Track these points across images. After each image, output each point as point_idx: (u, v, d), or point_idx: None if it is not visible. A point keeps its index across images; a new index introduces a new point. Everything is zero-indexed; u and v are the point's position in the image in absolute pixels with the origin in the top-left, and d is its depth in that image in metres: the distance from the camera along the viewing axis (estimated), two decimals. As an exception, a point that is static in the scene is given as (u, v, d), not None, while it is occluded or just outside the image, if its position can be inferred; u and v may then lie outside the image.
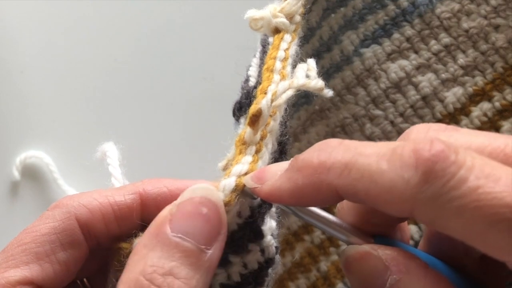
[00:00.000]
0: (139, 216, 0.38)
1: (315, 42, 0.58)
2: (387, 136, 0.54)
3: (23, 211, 0.89)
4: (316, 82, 0.39)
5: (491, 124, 0.52)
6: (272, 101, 0.37)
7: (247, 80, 0.47)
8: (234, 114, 0.47)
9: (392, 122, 0.54)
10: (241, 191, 0.36)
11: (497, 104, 0.52)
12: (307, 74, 0.40)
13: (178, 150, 0.87)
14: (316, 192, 0.32)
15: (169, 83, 0.88)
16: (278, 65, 0.40)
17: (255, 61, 0.47)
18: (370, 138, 0.55)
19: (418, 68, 0.53)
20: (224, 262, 0.36)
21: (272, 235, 0.39)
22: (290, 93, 0.38)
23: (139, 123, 0.88)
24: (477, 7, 0.52)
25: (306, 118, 0.58)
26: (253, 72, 0.47)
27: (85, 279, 0.41)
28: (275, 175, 0.34)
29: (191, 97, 0.87)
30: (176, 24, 0.87)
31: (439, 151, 0.29)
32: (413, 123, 0.54)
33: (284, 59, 0.41)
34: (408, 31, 0.54)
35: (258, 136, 0.38)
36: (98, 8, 0.87)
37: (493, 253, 0.28)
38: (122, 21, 0.88)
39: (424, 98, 0.53)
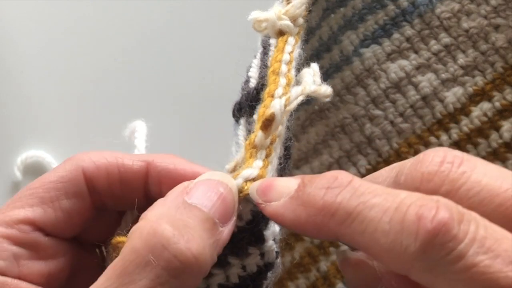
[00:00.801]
0: (142, 184, 0.40)
1: (314, 43, 0.58)
2: (387, 136, 0.55)
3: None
4: (326, 89, 0.40)
5: (491, 124, 0.52)
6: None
7: (247, 81, 0.47)
8: (234, 115, 0.47)
9: (392, 122, 0.55)
10: (245, 196, 0.37)
11: (497, 104, 0.52)
12: (314, 80, 0.40)
13: (178, 151, 0.88)
14: (317, 231, 0.33)
15: (169, 83, 0.88)
16: (283, 68, 0.41)
17: (256, 62, 0.48)
18: (370, 138, 0.56)
19: (418, 68, 0.54)
20: (223, 263, 0.37)
21: (274, 240, 0.39)
22: (301, 98, 0.39)
23: (135, 120, 0.88)
24: (477, 7, 0.53)
25: (305, 118, 0.59)
26: (253, 73, 0.47)
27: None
28: (280, 195, 0.34)
29: (191, 97, 0.87)
30: (176, 24, 0.88)
31: (442, 224, 0.29)
32: (413, 123, 0.54)
33: (289, 62, 0.41)
34: (408, 31, 0.54)
35: (268, 140, 0.38)
36: (98, 8, 0.88)
37: None
38: (122, 21, 0.88)
39: (424, 98, 0.54)
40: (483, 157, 0.52)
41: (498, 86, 0.53)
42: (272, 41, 0.45)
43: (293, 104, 0.38)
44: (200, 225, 0.34)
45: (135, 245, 0.33)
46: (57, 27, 0.87)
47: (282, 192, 0.35)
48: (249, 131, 0.45)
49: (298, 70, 0.42)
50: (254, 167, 0.38)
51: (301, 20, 0.44)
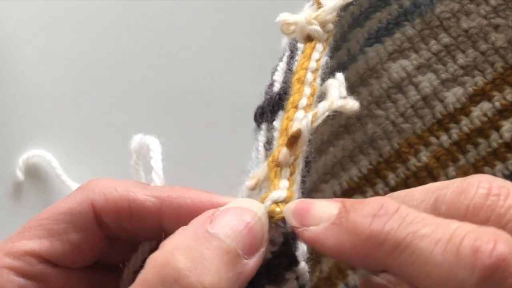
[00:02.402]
0: (155, 220, 0.39)
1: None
2: (388, 136, 0.56)
3: (26, 212, 0.90)
4: (353, 104, 0.39)
5: (491, 124, 0.53)
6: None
7: (271, 85, 0.46)
8: (255, 119, 0.46)
9: (393, 122, 0.56)
10: (277, 220, 0.36)
11: (497, 104, 0.53)
12: (340, 91, 0.40)
13: (178, 150, 0.88)
14: (362, 261, 0.32)
15: (169, 83, 0.89)
16: (309, 76, 0.40)
17: (281, 65, 0.47)
18: (372, 138, 0.56)
19: (418, 68, 0.55)
20: None
21: (304, 260, 0.38)
22: (327, 114, 0.38)
23: (139, 122, 0.89)
24: (477, 7, 0.53)
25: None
26: (278, 77, 0.46)
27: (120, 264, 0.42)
28: (319, 220, 0.33)
29: (191, 97, 0.88)
30: (177, 24, 0.88)
31: (501, 259, 0.28)
32: (414, 123, 0.55)
33: (315, 70, 0.41)
34: (409, 30, 0.55)
35: (292, 157, 0.38)
36: (99, 8, 0.88)
37: None
38: (122, 20, 0.89)
39: (424, 98, 0.55)
40: (483, 157, 0.53)
41: (498, 86, 0.53)
42: (300, 45, 0.45)
43: (319, 120, 0.37)
44: (218, 257, 0.33)
45: (147, 276, 0.32)
46: (58, 27, 0.88)
47: (322, 216, 0.33)
48: (268, 138, 0.44)
49: (323, 79, 0.41)
50: (282, 188, 0.37)
51: (330, 26, 0.42)
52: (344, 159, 0.58)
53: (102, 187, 0.39)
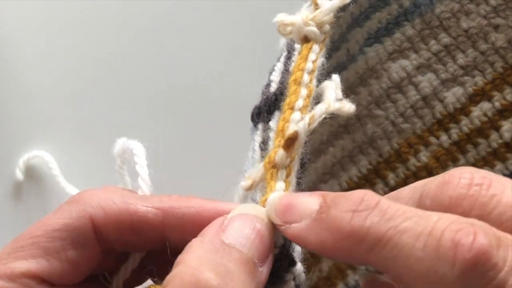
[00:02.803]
0: (157, 231, 0.38)
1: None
2: (388, 136, 0.56)
3: (26, 212, 0.90)
4: (350, 107, 0.39)
5: (491, 124, 0.53)
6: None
7: (268, 85, 0.46)
8: (252, 119, 0.46)
9: (393, 122, 0.56)
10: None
11: (497, 104, 0.53)
12: (336, 93, 0.40)
13: (179, 150, 0.89)
14: (345, 257, 0.32)
15: (169, 83, 0.89)
16: (305, 77, 0.40)
17: (279, 65, 0.47)
18: (372, 138, 0.57)
19: (418, 68, 0.55)
20: None
21: (300, 260, 0.38)
22: (324, 116, 0.38)
23: (139, 123, 0.89)
24: (477, 7, 0.54)
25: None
26: (275, 77, 0.46)
27: (106, 273, 0.41)
28: (301, 216, 0.33)
29: (191, 97, 0.88)
30: (177, 24, 0.89)
31: (481, 252, 0.28)
32: (413, 123, 0.55)
33: (312, 72, 0.41)
34: (409, 30, 0.55)
35: (289, 159, 0.38)
36: (99, 8, 0.88)
37: None
38: (122, 20, 0.89)
39: (424, 98, 0.55)
40: (483, 157, 0.53)
41: (498, 86, 0.54)
42: (297, 46, 0.45)
43: (316, 123, 0.38)
44: (241, 269, 0.32)
45: None
46: (58, 26, 0.88)
47: (303, 212, 0.33)
48: (264, 138, 0.44)
49: (319, 80, 0.41)
50: (278, 190, 0.37)
51: (327, 27, 0.43)
52: (343, 159, 0.58)
53: (98, 200, 0.37)
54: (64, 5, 0.88)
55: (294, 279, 0.37)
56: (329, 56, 0.58)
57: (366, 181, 0.57)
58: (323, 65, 0.42)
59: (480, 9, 0.54)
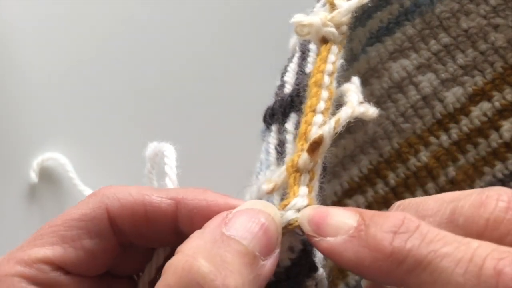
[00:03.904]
0: (171, 222, 0.39)
1: None
2: (388, 136, 0.56)
3: (40, 214, 0.92)
4: (373, 111, 0.40)
5: (491, 124, 0.53)
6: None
7: (282, 86, 0.47)
8: (265, 120, 0.46)
9: (393, 122, 0.56)
10: (295, 227, 0.36)
11: (497, 104, 0.54)
12: (358, 96, 0.40)
13: (193, 154, 0.90)
14: (381, 278, 0.32)
15: (183, 83, 0.90)
16: (326, 80, 0.40)
17: (292, 66, 0.47)
18: (372, 138, 0.57)
19: (418, 67, 0.56)
20: None
21: (322, 266, 0.39)
22: (348, 120, 0.38)
23: (154, 127, 0.90)
24: (476, 7, 0.54)
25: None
26: (289, 78, 0.46)
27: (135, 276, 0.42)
28: (337, 231, 0.33)
29: (205, 99, 0.89)
30: (181, 24, 0.90)
31: None
32: (414, 123, 0.56)
33: (332, 73, 0.41)
34: (409, 30, 0.56)
35: (312, 163, 0.38)
36: (102, 7, 0.90)
37: None
38: (129, 19, 0.90)
39: (424, 98, 0.55)
40: (483, 157, 0.54)
41: (498, 86, 0.54)
42: (312, 46, 0.45)
43: (341, 127, 0.38)
44: (239, 260, 0.33)
45: (169, 282, 0.32)
46: (66, 26, 0.90)
47: (339, 227, 0.33)
48: (280, 140, 0.45)
49: (338, 82, 0.42)
50: (302, 195, 0.37)
51: (345, 28, 0.43)
52: (345, 159, 0.59)
53: (115, 191, 0.39)
54: (77, 5, 0.89)
55: (316, 285, 0.38)
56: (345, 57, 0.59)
57: (366, 181, 0.58)
58: (342, 66, 0.42)
59: (480, 9, 0.54)
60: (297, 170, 0.38)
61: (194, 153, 0.90)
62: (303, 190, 0.37)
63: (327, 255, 0.34)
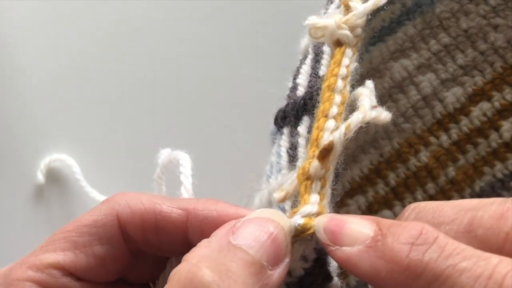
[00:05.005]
0: (181, 232, 0.39)
1: None
2: (389, 136, 0.57)
3: (47, 215, 0.93)
4: (386, 116, 0.39)
5: (490, 124, 0.54)
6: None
7: (294, 88, 0.47)
8: (276, 123, 0.47)
9: (394, 122, 0.57)
10: (308, 235, 0.35)
11: (496, 104, 0.54)
12: (371, 100, 0.40)
13: (203, 160, 0.90)
14: None
15: (190, 86, 0.90)
16: (339, 84, 0.40)
17: (305, 68, 0.47)
18: (373, 137, 0.58)
19: (419, 67, 0.56)
20: None
21: (336, 275, 0.39)
22: (359, 125, 0.38)
23: (162, 131, 0.91)
24: (476, 7, 0.55)
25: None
26: (302, 80, 0.46)
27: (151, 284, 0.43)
28: (353, 241, 0.33)
29: (210, 100, 0.89)
30: (184, 25, 0.90)
31: None
32: (414, 123, 0.56)
33: (345, 77, 0.41)
34: (410, 30, 0.57)
35: (323, 170, 0.37)
36: (106, 7, 0.90)
37: None
38: (130, 20, 0.91)
39: (424, 98, 0.56)
40: (483, 157, 0.54)
41: (498, 86, 0.54)
42: (326, 48, 0.45)
43: (352, 132, 0.38)
44: (244, 269, 0.33)
45: None
46: (78, 29, 0.91)
47: (356, 237, 0.33)
48: (291, 144, 0.45)
49: (352, 86, 0.42)
50: (313, 202, 0.37)
51: (359, 31, 0.43)
52: (347, 159, 0.59)
53: (127, 199, 0.39)
54: (80, 4, 0.90)
55: None
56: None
57: (367, 181, 0.58)
58: (356, 70, 0.42)
59: (480, 9, 0.55)
60: (308, 178, 0.37)
61: (202, 157, 0.91)
62: (314, 197, 0.37)
63: (342, 265, 0.34)
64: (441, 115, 0.55)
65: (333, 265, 0.38)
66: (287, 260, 0.35)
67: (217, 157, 0.87)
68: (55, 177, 0.93)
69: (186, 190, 0.43)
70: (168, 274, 0.38)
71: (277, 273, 0.34)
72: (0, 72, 0.89)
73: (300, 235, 0.35)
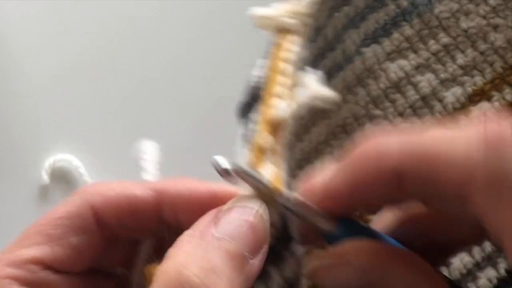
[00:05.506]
0: (154, 213, 0.40)
1: (320, 42, 0.61)
2: (388, 136, 0.57)
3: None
4: (331, 94, 0.40)
5: (490, 124, 0.54)
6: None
7: (251, 81, 0.49)
8: (238, 115, 0.49)
9: (391, 122, 0.57)
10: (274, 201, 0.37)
11: (496, 104, 0.54)
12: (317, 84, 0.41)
13: (189, 149, 0.91)
14: (375, 178, 0.33)
15: (182, 82, 0.91)
16: (286, 67, 0.42)
17: (262, 61, 0.48)
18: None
19: (417, 68, 0.56)
20: (264, 274, 0.37)
21: (295, 236, 0.39)
22: (307, 103, 0.40)
23: (164, 123, 0.92)
24: (476, 7, 0.55)
25: (308, 118, 0.61)
26: (258, 72, 0.48)
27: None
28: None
29: (196, 97, 0.90)
30: (183, 25, 0.91)
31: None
32: (412, 123, 0.56)
33: (290, 61, 0.43)
34: (407, 30, 0.57)
35: (275, 144, 0.39)
36: (106, 8, 0.91)
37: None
38: (129, 20, 0.92)
39: (423, 98, 0.56)
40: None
41: (497, 86, 0.54)
42: (278, 39, 0.46)
43: (300, 109, 0.40)
44: (228, 264, 0.33)
45: None
46: (81, 30, 0.92)
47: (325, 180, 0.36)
48: (248, 131, 0.45)
49: (299, 72, 0.43)
50: (269, 172, 0.38)
51: (305, 18, 0.45)
52: (342, 159, 0.59)
53: (98, 188, 0.40)
54: (86, 5, 0.91)
55: (292, 254, 0.38)
56: (323, 56, 0.60)
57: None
58: (304, 56, 0.43)
59: (479, 9, 0.55)
60: (261, 151, 0.39)
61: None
62: (269, 167, 0.39)
63: (325, 197, 0.35)
64: (440, 115, 0.55)
65: (293, 227, 0.39)
66: (266, 245, 0.36)
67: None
68: (59, 177, 0.94)
69: (151, 175, 0.44)
70: (143, 258, 0.40)
71: (258, 261, 0.35)
72: (4, 73, 0.90)
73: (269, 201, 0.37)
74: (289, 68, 0.42)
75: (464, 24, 0.55)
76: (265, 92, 0.41)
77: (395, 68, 0.57)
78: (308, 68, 0.42)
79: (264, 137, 0.39)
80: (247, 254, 0.34)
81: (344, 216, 0.37)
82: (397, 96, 0.57)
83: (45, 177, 0.94)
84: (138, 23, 0.91)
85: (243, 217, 0.35)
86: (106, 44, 0.91)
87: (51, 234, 0.38)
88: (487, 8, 0.55)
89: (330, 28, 0.60)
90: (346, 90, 0.58)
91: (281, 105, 0.39)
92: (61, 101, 0.91)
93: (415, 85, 0.56)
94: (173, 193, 0.39)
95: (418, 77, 0.56)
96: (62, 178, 0.94)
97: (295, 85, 0.41)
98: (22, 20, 0.90)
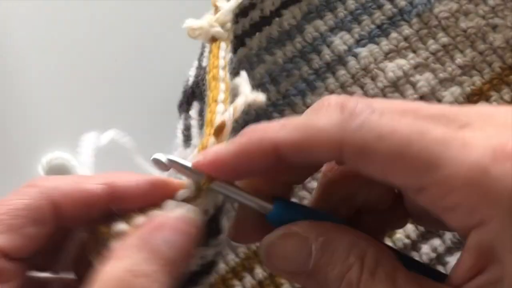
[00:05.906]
0: (106, 205, 0.42)
1: (296, 44, 0.60)
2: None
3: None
4: (262, 97, 0.44)
5: (489, 124, 0.54)
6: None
7: (187, 80, 0.57)
8: (178, 110, 0.57)
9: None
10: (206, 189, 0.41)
11: (495, 104, 0.54)
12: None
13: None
14: (257, 148, 0.37)
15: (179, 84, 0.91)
16: (221, 73, 0.46)
17: (195, 63, 0.57)
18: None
19: (416, 67, 0.57)
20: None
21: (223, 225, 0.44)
22: (243, 106, 0.44)
23: (162, 122, 0.91)
24: (475, 7, 0.55)
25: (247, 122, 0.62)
26: (192, 72, 0.56)
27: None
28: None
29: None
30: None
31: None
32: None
33: (224, 67, 0.47)
34: (406, 30, 0.57)
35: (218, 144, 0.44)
36: (106, 6, 0.91)
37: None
38: (131, 18, 0.92)
39: (422, 97, 0.56)
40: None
41: (496, 86, 0.55)
42: (207, 44, 0.51)
43: (239, 113, 0.43)
44: (162, 271, 0.37)
45: None
46: (72, 25, 0.91)
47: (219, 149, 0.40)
48: (186, 126, 0.56)
49: (231, 73, 0.48)
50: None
51: (229, 25, 0.50)
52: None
53: (54, 182, 0.42)
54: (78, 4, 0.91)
55: (218, 245, 0.42)
56: (309, 58, 0.60)
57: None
58: (231, 60, 0.48)
59: (479, 9, 0.55)
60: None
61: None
62: None
63: (213, 161, 0.39)
64: (439, 115, 0.56)
65: (223, 220, 0.42)
66: (195, 248, 0.40)
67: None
68: (56, 174, 0.94)
69: (86, 168, 0.48)
70: (76, 244, 0.43)
71: (186, 264, 0.39)
72: (0, 70, 0.90)
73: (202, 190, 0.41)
74: (225, 74, 0.46)
75: (463, 24, 0.55)
76: (209, 98, 0.45)
77: (394, 67, 0.57)
78: (241, 72, 0.45)
79: (211, 141, 0.42)
80: (180, 262, 0.38)
81: (278, 196, 0.40)
82: (396, 95, 0.57)
83: (42, 174, 0.93)
84: (139, 23, 0.91)
85: (183, 226, 0.39)
86: (106, 43, 0.91)
87: (10, 224, 0.40)
88: (486, 8, 0.55)
89: (310, 30, 0.60)
90: (341, 89, 0.58)
91: (222, 111, 0.44)
92: (58, 98, 0.90)
93: (413, 85, 0.56)
94: (123, 185, 0.42)
95: (417, 77, 0.56)
96: (59, 175, 0.93)
97: (231, 89, 0.46)
98: (16, 17, 0.90)
